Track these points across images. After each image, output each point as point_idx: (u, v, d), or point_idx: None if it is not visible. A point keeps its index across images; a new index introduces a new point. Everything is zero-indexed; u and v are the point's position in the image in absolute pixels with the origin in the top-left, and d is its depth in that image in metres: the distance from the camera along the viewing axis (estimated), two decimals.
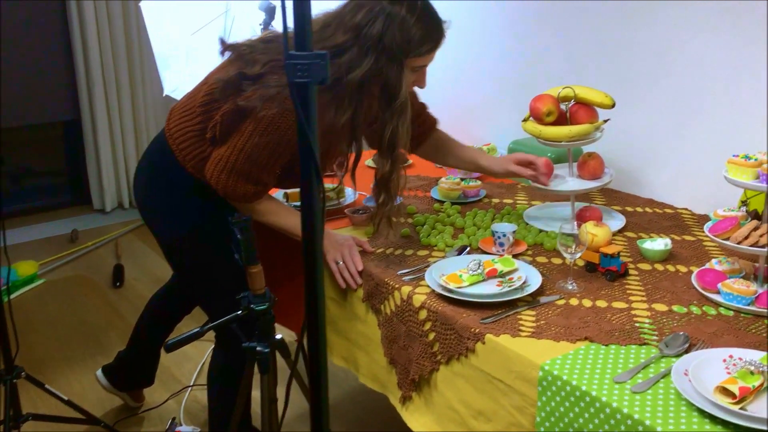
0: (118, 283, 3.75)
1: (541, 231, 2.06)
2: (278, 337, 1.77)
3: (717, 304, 1.62)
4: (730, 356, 1.36)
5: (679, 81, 2.25)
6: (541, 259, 1.91)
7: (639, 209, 2.28)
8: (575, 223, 2.03)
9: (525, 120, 2.11)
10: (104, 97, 4.50)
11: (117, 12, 4.40)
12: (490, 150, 2.82)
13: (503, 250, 1.92)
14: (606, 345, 1.47)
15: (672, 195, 2.32)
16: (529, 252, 1.95)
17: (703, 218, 2.18)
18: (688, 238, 2.03)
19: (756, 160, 1.60)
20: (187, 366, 2.97)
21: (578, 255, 1.72)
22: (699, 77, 2.19)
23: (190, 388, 2.82)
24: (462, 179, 2.48)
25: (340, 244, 1.92)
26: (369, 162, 2.68)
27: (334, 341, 2.05)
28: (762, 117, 2.04)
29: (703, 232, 2.05)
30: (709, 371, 1.33)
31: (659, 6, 2.25)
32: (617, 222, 2.12)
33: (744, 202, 1.95)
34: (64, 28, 4.37)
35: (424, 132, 2.19)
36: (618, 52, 2.42)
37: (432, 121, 2.22)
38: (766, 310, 1.56)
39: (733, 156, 1.65)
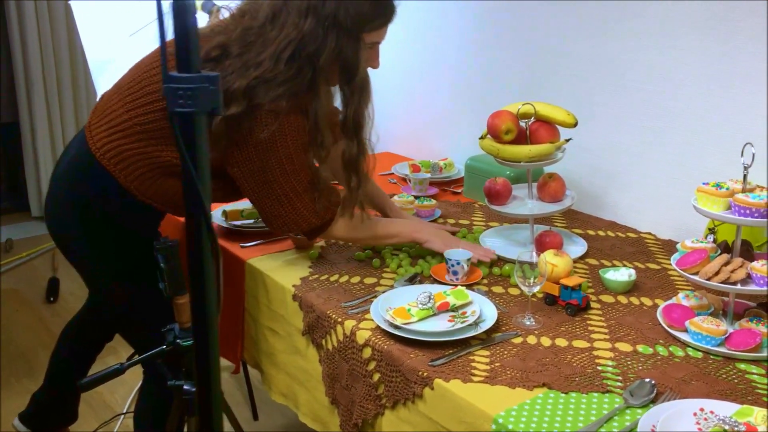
0: (51, 298, 3.52)
1: (498, 258, 1.92)
2: None
3: (684, 344, 1.50)
4: (701, 409, 1.23)
5: (644, 98, 2.14)
6: (498, 289, 1.77)
7: (601, 233, 2.16)
8: (534, 252, 1.91)
9: (482, 137, 1.97)
10: (44, 99, 4.26)
11: (59, 9, 4.16)
12: (447, 165, 2.69)
13: (457, 279, 1.78)
14: (566, 393, 1.34)
15: (635, 217, 2.21)
16: (485, 281, 1.81)
17: (668, 244, 2.07)
18: (652, 266, 1.91)
19: (728, 189, 1.49)
20: (121, 391, 2.76)
21: (537, 288, 1.58)
22: (665, 95, 2.08)
23: (122, 416, 2.62)
24: (416, 197, 2.33)
25: (440, 232, 1.92)
26: None
27: (272, 375, 1.89)
28: (730, 137, 1.94)
29: (668, 259, 1.94)
30: (679, 426, 1.20)
31: (624, 20, 2.14)
32: (578, 248, 2.00)
33: (711, 230, 1.84)
34: (2, 26, 4.12)
35: None
36: (580, 67, 2.29)
37: None
38: (736, 352, 1.44)
39: (703, 184, 1.53)
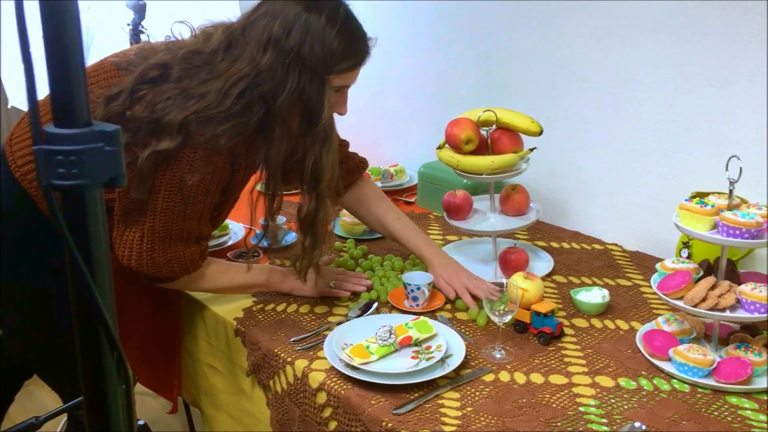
0: None
1: None
2: (140, 423, 1.39)
3: (669, 376, 1.38)
4: None
5: (609, 103, 2.01)
6: (462, 315, 1.62)
7: (565, 245, 2.03)
8: (498, 270, 1.77)
9: (440, 148, 1.81)
10: None
11: None
12: (398, 172, 2.53)
13: (417, 305, 1.62)
14: None
15: (599, 227, 2.09)
16: (448, 306, 1.66)
17: (635, 256, 1.95)
18: (623, 282, 1.79)
19: (712, 206, 1.36)
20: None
21: (508, 318, 1.43)
22: (631, 100, 1.96)
23: None
24: None
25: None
26: (259, 187, 2.31)
27: (213, 417, 1.69)
28: (698, 144, 1.83)
29: (638, 274, 1.83)
30: None
31: (588, 21, 2.00)
32: (544, 264, 1.86)
33: (686, 244, 1.73)
34: None
35: (351, 177, 1.84)
36: (541, 69, 2.16)
37: (360, 163, 1.87)
38: (726, 385, 1.32)
39: (686, 201, 1.40)
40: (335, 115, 1.55)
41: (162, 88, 1.40)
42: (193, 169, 1.42)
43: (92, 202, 0.46)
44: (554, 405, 1.29)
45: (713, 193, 1.45)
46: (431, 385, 1.34)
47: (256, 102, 1.42)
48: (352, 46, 1.47)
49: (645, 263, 1.89)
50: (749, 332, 1.46)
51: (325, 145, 1.48)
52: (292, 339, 1.49)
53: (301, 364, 1.41)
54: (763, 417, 1.25)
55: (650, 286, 1.58)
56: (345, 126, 1.78)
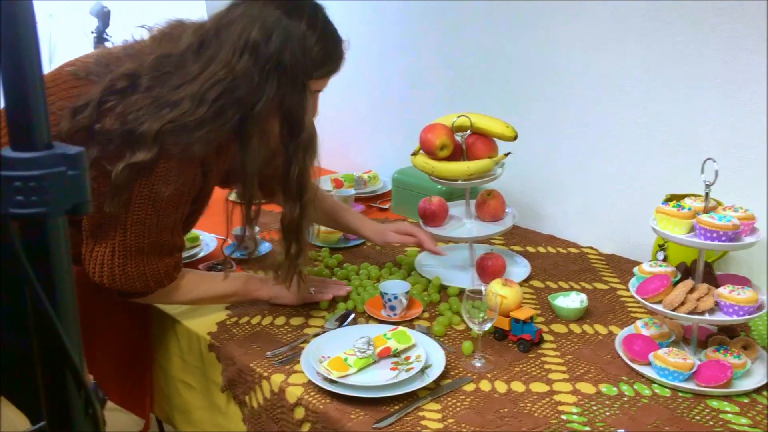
0: None
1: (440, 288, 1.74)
2: None
3: (650, 381, 1.37)
4: None
5: (583, 106, 2.01)
6: (440, 330, 1.59)
7: (541, 249, 2.02)
8: (475, 276, 1.76)
9: (414, 154, 1.79)
10: None
11: None
12: (371, 178, 2.50)
13: (395, 315, 1.59)
14: None
15: (575, 231, 2.08)
16: (426, 314, 1.63)
17: (611, 259, 1.95)
18: (599, 286, 1.78)
19: (689, 209, 1.36)
20: None
21: (488, 326, 1.41)
22: (604, 102, 1.96)
23: None
24: None
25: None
26: (232, 196, 2.27)
27: None
28: (672, 146, 1.84)
29: (614, 277, 1.82)
30: None
31: (562, 21, 2.00)
32: (521, 269, 1.85)
33: (661, 246, 1.73)
34: None
35: None
36: (513, 71, 2.15)
37: None
38: (707, 389, 1.31)
39: (662, 204, 1.39)
40: None
41: (131, 99, 1.36)
42: (167, 180, 1.38)
43: (55, 231, 0.42)
44: (536, 414, 1.27)
45: (688, 195, 1.45)
46: (411, 397, 1.31)
47: (229, 107, 1.38)
48: (331, 52, 1.46)
49: (621, 266, 1.89)
50: (727, 334, 1.46)
51: (308, 152, 1.47)
52: (268, 353, 1.46)
53: (277, 378, 1.38)
54: (744, 420, 1.25)
55: (627, 290, 1.59)
56: (320, 129, 1.75)
